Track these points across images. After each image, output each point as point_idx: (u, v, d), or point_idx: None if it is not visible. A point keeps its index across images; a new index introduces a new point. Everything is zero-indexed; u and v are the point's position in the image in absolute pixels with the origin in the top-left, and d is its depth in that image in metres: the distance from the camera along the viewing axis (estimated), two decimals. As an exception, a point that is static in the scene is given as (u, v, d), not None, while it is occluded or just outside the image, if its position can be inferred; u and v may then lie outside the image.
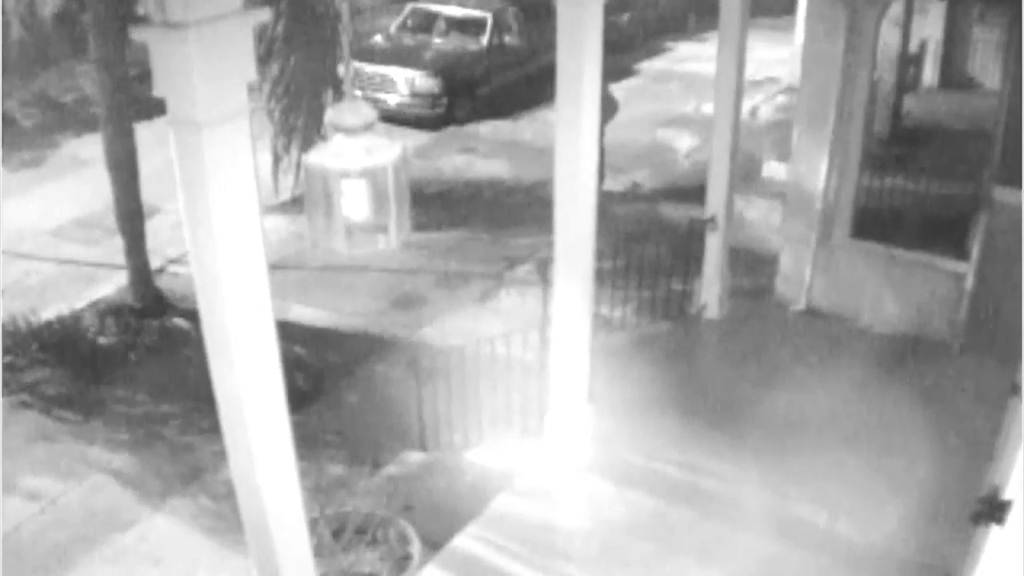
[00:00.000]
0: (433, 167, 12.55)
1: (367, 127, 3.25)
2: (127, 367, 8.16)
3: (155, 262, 9.24)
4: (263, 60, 8.50)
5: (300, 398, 7.20)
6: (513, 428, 6.85)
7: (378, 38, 15.10)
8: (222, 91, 3.29)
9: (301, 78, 8.37)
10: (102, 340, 8.49)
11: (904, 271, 7.75)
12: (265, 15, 3.51)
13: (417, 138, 13.36)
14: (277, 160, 8.58)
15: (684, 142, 13.70)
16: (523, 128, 14.14)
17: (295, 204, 10.01)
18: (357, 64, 13.22)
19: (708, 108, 10.67)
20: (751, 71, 8.98)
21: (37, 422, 7.43)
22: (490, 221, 11.01)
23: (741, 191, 8.90)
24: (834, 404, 6.73)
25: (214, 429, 4.10)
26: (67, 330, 8.55)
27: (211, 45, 3.21)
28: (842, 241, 7.95)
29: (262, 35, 8.31)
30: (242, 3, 3.30)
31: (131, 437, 7.27)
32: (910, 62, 12.49)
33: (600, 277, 6.43)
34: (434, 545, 5.71)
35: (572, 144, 5.43)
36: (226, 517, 6.10)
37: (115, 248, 9.26)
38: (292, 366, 6.09)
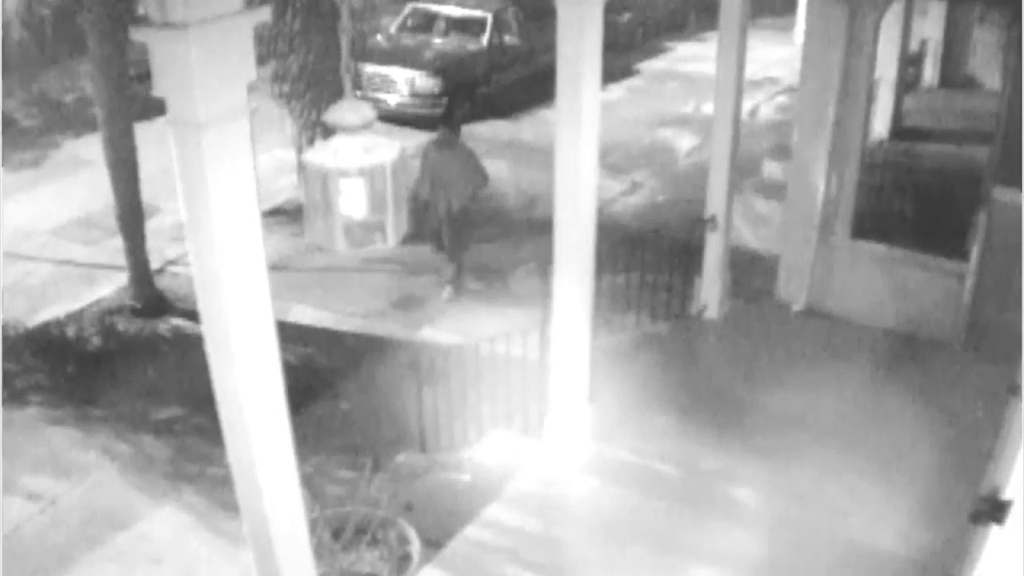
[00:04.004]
0: (433, 167, 12.52)
1: (366, 126, 3.26)
2: (124, 368, 8.15)
3: (155, 262, 9.24)
4: (282, 56, 8.54)
5: (300, 398, 7.20)
6: (513, 428, 6.85)
7: (378, 38, 15.10)
8: (222, 91, 3.29)
9: (321, 73, 8.40)
10: (98, 342, 8.48)
11: (904, 271, 7.75)
12: (265, 15, 3.51)
13: (417, 138, 13.33)
14: (301, 154, 8.62)
15: (684, 142, 13.70)
16: (523, 128, 14.14)
17: (296, 202, 10.04)
18: (357, 64, 13.22)
19: (708, 108, 10.68)
20: (751, 71, 8.99)
21: (33, 425, 7.42)
22: (490, 221, 11.00)
23: (741, 191, 8.90)
24: (834, 404, 6.73)
25: (212, 429, 4.10)
26: (61, 334, 8.54)
27: (211, 45, 3.21)
28: (842, 241, 7.95)
29: (279, 32, 8.35)
30: (242, 3, 3.30)
31: (129, 438, 7.27)
32: (910, 62, 12.49)
33: (600, 277, 6.42)
34: (434, 545, 5.71)
35: (572, 144, 5.43)
36: (225, 517, 6.11)
37: (115, 248, 9.26)
38: (292, 366, 6.09)
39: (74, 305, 9.04)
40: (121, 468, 6.94)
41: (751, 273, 8.70)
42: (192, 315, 7.60)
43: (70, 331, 8.61)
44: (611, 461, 6.28)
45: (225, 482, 5.69)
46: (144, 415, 7.55)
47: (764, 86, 15.48)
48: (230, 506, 5.40)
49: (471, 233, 9.51)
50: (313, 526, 4.90)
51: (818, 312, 8.06)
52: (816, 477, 6.05)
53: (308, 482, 5.18)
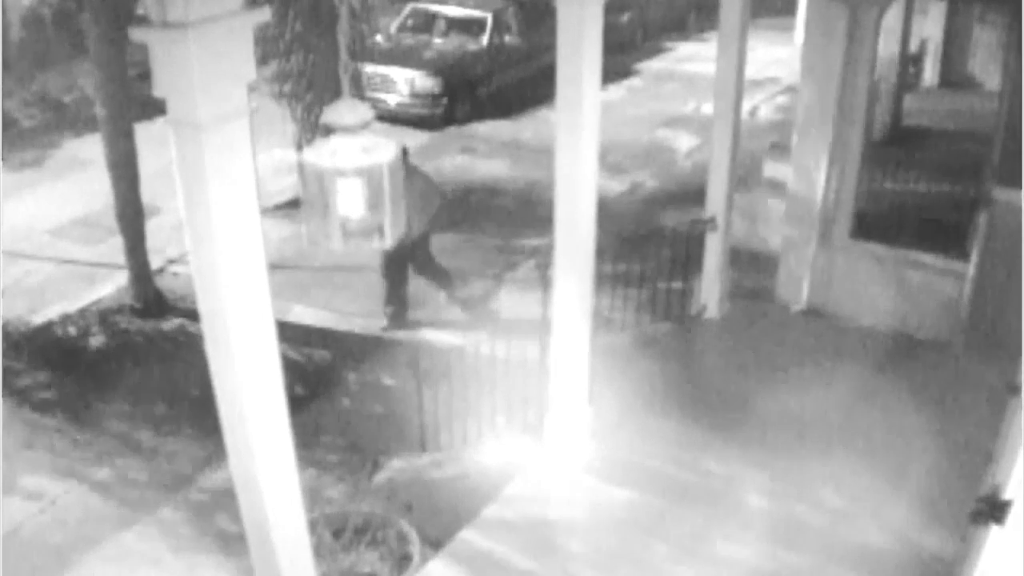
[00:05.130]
0: (433, 167, 12.51)
1: (364, 126, 3.25)
2: (124, 368, 8.15)
3: (155, 262, 9.24)
4: (284, 58, 8.57)
5: (300, 398, 7.21)
6: (513, 428, 6.85)
7: (378, 38, 15.10)
8: (222, 91, 3.29)
9: (323, 74, 8.43)
10: (98, 341, 8.48)
11: (904, 271, 7.75)
12: (265, 15, 3.51)
13: (417, 138, 13.36)
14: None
15: (684, 142, 13.70)
16: (523, 128, 14.14)
17: (296, 203, 10.04)
18: (357, 64, 13.21)
19: (708, 108, 10.68)
20: (751, 71, 8.97)
21: (32, 425, 7.42)
22: (490, 221, 11.01)
23: (741, 191, 8.90)
24: (834, 404, 6.73)
25: (213, 430, 4.10)
26: (62, 333, 8.54)
27: (211, 45, 3.21)
28: (842, 241, 7.95)
29: (281, 33, 8.39)
30: (242, 3, 3.30)
31: (128, 438, 7.26)
32: (910, 62, 12.50)
33: (600, 277, 6.42)
34: (434, 545, 5.72)
35: (572, 144, 5.43)
36: (225, 517, 6.11)
37: (115, 248, 9.25)
38: (292, 366, 6.10)
39: (74, 305, 9.04)
40: (120, 468, 6.94)
41: (751, 273, 8.70)
42: (192, 315, 7.60)
43: (70, 330, 8.61)
44: (611, 461, 6.28)
45: (224, 482, 5.70)
46: (143, 414, 7.55)
47: (764, 86, 15.47)
48: (228, 506, 5.41)
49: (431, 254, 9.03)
50: (313, 526, 4.90)
51: (818, 312, 8.06)
52: (816, 477, 6.05)
53: (308, 482, 5.18)
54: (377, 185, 3.23)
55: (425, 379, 6.64)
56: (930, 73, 13.43)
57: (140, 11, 7.62)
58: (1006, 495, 3.51)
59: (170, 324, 8.76)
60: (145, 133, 8.83)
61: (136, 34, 3.30)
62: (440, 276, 9.02)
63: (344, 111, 3.25)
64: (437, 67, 14.17)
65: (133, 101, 8.52)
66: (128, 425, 7.41)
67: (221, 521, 6.23)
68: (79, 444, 7.18)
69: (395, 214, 3.29)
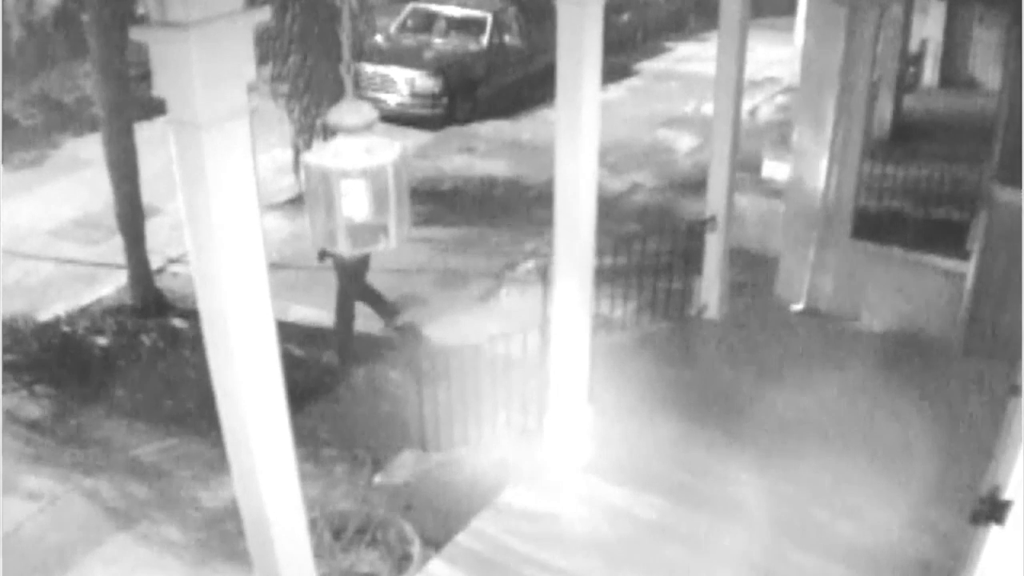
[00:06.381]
0: (433, 167, 12.55)
1: (368, 127, 3.25)
2: (122, 367, 8.15)
3: (155, 262, 9.24)
4: (282, 58, 8.61)
5: (300, 398, 7.21)
6: (513, 428, 6.85)
7: (378, 38, 15.11)
8: (222, 91, 3.29)
9: (321, 75, 8.45)
10: (97, 340, 8.49)
11: (904, 271, 7.76)
12: (265, 15, 3.51)
13: (417, 138, 13.36)
14: (298, 155, 8.65)
15: (684, 142, 13.70)
16: (523, 128, 14.15)
17: (296, 203, 10.05)
18: (357, 64, 13.22)
19: (708, 108, 10.68)
20: (751, 71, 8.98)
21: (33, 423, 7.42)
22: (490, 221, 11.01)
23: (741, 191, 8.90)
24: (834, 404, 6.73)
25: (213, 431, 4.10)
26: (63, 332, 8.55)
27: (211, 45, 3.21)
28: (842, 241, 7.95)
29: (280, 34, 8.42)
30: (242, 3, 3.30)
31: (126, 440, 7.26)
32: (910, 62, 12.50)
33: (600, 277, 6.42)
34: (434, 545, 5.72)
35: (572, 144, 5.43)
36: (226, 521, 6.11)
37: (115, 248, 9.26)
38: (291, 366, 6.08)
39: (74, 305, 9.04)
40: (121, 468, 6.94)
41: (751, 273, 8.70)
42: (193, 315, 7.60)
43: (73, 329, 8.61)
44: (611, 461, 6.28)
45: (223, 484, 5.70)
46: (142, 414, 7.55)
47: (764, 86, 15.48)
48: (229, 508, 5.42)
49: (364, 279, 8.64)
50: (313, 526, 4.90)
51: (818, 312, 8.06)
52: (816, 477, 6.05)
53: (308, 483, 5.17)
54: (381, 186, 3.22)
55: (425, 379, 6.64)
56: (930, 73, 13.44)
57: (140, 11, 7.64)
58: (1006, 495, 3.51)
59: (170, 324, 8.76)
60: (145, 133, 8.83)
61: (136, 34, 3.29)
62: (344, 311, 8.44)
63: (348, 112, 3.24)
64: (437, 67, 14.17)
65: (133, 101, 8.52)
66: (126, 426, 7.41)
67: (221, 524, 6.23)
68: (78, 443, 7.18)
69: (400, 215, 3.28)
